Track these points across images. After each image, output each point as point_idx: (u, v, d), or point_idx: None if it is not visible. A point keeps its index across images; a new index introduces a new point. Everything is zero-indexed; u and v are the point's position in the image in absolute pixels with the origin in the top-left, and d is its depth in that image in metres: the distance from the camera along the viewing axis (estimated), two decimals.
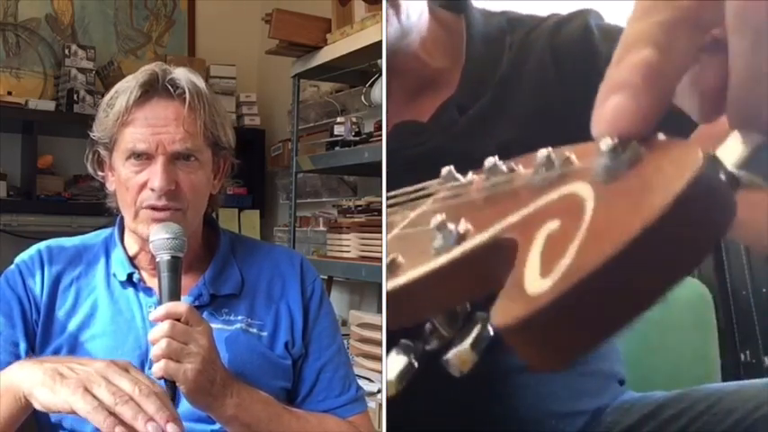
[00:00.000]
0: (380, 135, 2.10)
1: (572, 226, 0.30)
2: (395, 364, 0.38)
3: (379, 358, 2.04)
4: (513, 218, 0.34)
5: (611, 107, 0.32)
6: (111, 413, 0.77)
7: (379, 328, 2.08)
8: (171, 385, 0.89)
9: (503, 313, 0.29)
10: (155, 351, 0.89)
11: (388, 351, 0.40)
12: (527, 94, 0.93)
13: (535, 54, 0.94)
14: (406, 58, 0.95)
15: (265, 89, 3.59)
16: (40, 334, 1.03)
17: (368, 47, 2.26)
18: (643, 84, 0.31)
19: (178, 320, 0.90)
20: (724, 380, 1.42)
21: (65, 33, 3.34)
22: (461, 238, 0.36)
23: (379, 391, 1.92)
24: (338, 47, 2.47)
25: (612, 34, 0.91)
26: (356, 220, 2.38)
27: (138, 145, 0.99)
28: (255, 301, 1.08)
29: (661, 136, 0.32)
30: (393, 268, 0.39)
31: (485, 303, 0.37)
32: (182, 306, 0.92)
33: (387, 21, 0.91)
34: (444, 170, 0.45)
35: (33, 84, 3.25)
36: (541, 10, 1.01)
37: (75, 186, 3.15)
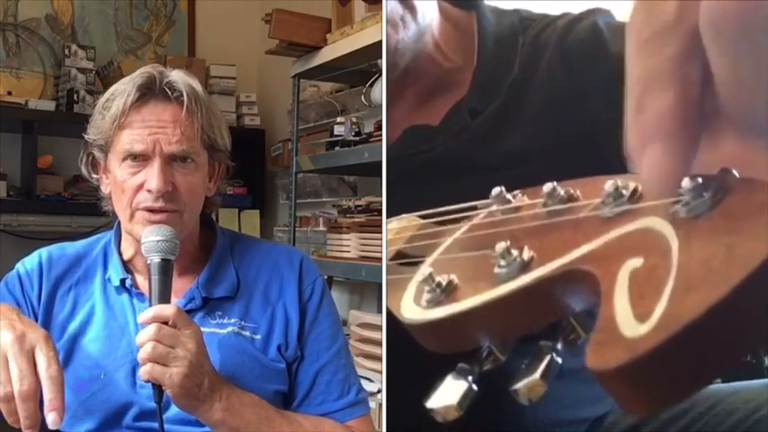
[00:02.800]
0: (380, 135, 2.10)
1: (659, 265, 0.29)
2: (454, 388, 0.37)
3: (379, 358, 2.04)
4: (585, 249, 0.34)
5: (652, 161, 0.32)
6: None
7: (379, 327, 2.08)
8: (158, 389, 0.89)
9: (600, 357, 0.29)
10: (141, 354, 0.88)
11: (443, 374, 0.39)
12: (539, 98, 0.91)
13: (546, 56, 0.93)
14: (421, 61, 0.94)
15: (265, 89, 3.59)
16: None
17: (368, 47, 2.26)
18: (678, 131, 0.31)
19: (166, 323, 0.90)
20: (724, 380, 1.41)
21: (65, 33, 3.34)
22: (526, 266, 0.36)
23: (379, 391, 1.91)
24: (338, 47, 2.47)
25: (622, 33, 0.90)
26: (356, 220, 2.38)
27: (136, 146, 0.98)
28: (251, 303, 1.07)
29: (735, 173, 0.32)
30: (450, 290, 0.39)
31: (548, 332, 0.36)
32: (169, 309, 0.91)
33: (402, 24, 0.90)
34: (495, 190, 0.44)
35: (33, 84, 3.25)
36: (553, 7, 1.00)
37: (75, 186, 3.15)
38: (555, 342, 0.36)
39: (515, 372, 0.36)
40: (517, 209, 0.43)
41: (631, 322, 0.29)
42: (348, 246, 2.35)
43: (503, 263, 0.36)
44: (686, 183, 0.31)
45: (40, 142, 3.07)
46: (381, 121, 2.01)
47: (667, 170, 0.31)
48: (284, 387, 1.06)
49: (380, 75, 2.29)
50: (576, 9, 0.97)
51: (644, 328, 0.28)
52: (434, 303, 0.39)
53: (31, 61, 3.26)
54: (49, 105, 3.10)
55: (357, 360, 2.11)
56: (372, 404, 1.73)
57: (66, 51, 3.17)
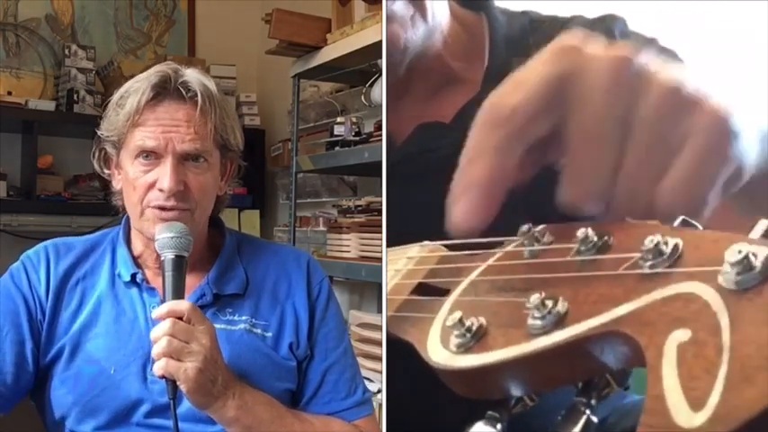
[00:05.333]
0: (380, 135, 2.10)
1: (708, 342, 0.28)
2: None
3: (379, 358, 2.04)
4: (625, 309, 0.33)
5: (460, 208, 0.42)
6: None
7: (379, 327, 2.08)
8: (171, 384, 0.89)
9: None
10: (155, 349, 0.89)
11: (472, 420, 0.38)
12: None
13: None
14: (429, 60, 0.93)
15: (265, 89, 3.59)
16: (45, 333, 1.03)
17: (368, 47, 2.26)
18: (482, 190, 0.41)
19: (180, 319, 0.90)
20: None
21: (65, 33, 3.34)
22: (561, 319, 0.35)
23: (380, 391, 1.91)
24: (338, 47, 2.47)
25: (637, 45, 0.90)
26: (356, 220, 2.38)
27: (148, 142, 0.98)
28: (260, 302, 1.07)
29: None
30: (480, 335, 0.38)
31: (582, 387, 0.35)
32: (184, 304, 0.92)
33: (411, 23, 0.89)
34: (523, 228, 0.43)
35: (33, 84, 3.25)
36: (563, 10, 0.99)
37: (75, 186, 3.15)
38: (589, 399, 0.35)
39: (548, 423, 0.35)
40: (546, 251, 0.41)
41: (684, 409, 0.27)
42: (348, 246, 2.35)
43: (537, 314, 0.35)
44: (733, 253, 0.30)
45: (40, 142, 3.06)
46: (381, 121, 2.01)
47: (471, 220, 0.41)
48: (293, 385, 1.07)
49: (380, 75, 2.29)
50: (583, 9, 0.97)
51: (700, 419, 0.26)
52: (464, 349, 0.38)
53: (31, 61, 3.26)
54: (49, 105, 3.10)
55: (357, 360, 2.11)
56: (374, 409, 1.73)
57: (66, 51, 3.17)
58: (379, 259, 1.83)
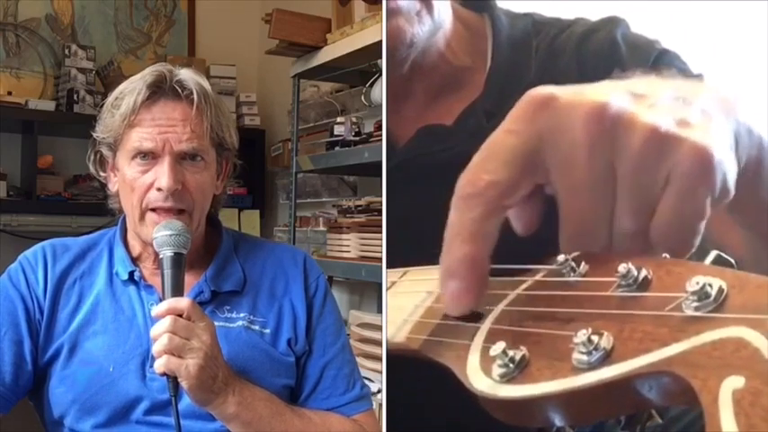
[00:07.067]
0: (380, 135, 2.10)
1: (762, 392, 0.28)
2: None
3: (379, 358, 2.04)
4: (674, 349, 0.32)
5: (450, 290, 0.44)
6: None
7: (379, 327, 2.08)
8: (173, 381, 0.89)
9: None
10: (156, 347, 0.89)
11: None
12: None
13: (561, 64, 0.92)
14: (433, 57, 0.93)
15: (265, 89, 3.59)
16: (44, 333, 1.03)
17: (368, 47, 2.26)
18: (467, 273, 0.43)
19: (180, 316, 0.90)
20: None
21: (65, 33, 3.34)
22: (607, 355, 0.34)
23: (379, 391, 1.91)
24: (338, 47, 2.47)
25: (639, 48, 0.90)
26: (356, 220, 2.38)
27: (145, 143, 0.99)
28: (258, 299, 1.08)
29: None
30: (523, 366, 0.38)
31: (628, 421, 0.36)
32: (183, 301, 0.92)
33: (417, 19, 0.89)
34: (560, 257, 0.42)
35: (33, 84, 3.25)
36: (566, 12, 0.99)
37: (75, 186, 3.15)
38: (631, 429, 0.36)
39: None
40: (585, 283, 0.41)
41: None
42: (348, 246, 2.35)
43: (583, 349, 0.35)
44: None
45: (40, 142, 3.07)
46: (381, 120, 2.01)
47: (461, 303, 0.44)
48: (292, 381, 1.07)
49: (380, 75, 2.29)
50: (588, 11, 0.97)
51: None
52: (507, 379, 0.38)
53: (31, 61, 3.26)
54: (49, 105, 3.10)
55: (357, 360, 2.11)
56: (372, 404, 1.73)
57: (67, 51, 3.17)
58: (379, 259, 1.82)
